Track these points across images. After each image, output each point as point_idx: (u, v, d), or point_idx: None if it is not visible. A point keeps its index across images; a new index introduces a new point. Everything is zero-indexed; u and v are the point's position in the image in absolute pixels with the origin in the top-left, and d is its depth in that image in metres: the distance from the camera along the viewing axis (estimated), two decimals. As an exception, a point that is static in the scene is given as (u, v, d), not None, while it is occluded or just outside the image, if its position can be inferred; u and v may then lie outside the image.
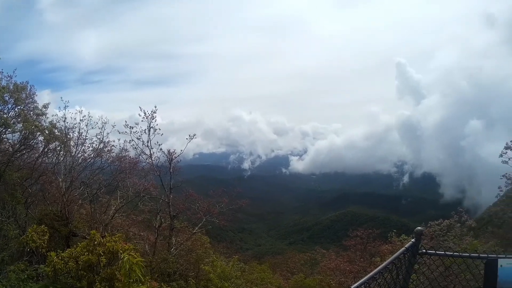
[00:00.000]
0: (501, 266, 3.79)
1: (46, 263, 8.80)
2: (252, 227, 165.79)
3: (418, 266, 4.58)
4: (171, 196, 17.96)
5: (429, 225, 16.66)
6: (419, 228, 4.29)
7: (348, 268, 19.85)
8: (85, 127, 17.28)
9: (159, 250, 16.53)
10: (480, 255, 4.10)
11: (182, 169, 20.22)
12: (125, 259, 6.91)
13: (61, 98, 17.22)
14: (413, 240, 4.24)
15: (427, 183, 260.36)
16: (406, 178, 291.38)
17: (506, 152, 14.29)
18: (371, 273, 3.64)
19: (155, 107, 17.93)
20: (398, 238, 18.74)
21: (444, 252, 4.31)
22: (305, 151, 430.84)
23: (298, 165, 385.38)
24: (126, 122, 17.65)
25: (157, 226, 17.09)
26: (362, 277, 3.55)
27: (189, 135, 18.94)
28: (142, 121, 17.67)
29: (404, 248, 4.17)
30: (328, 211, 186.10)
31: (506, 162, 14.25)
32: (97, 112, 23.40)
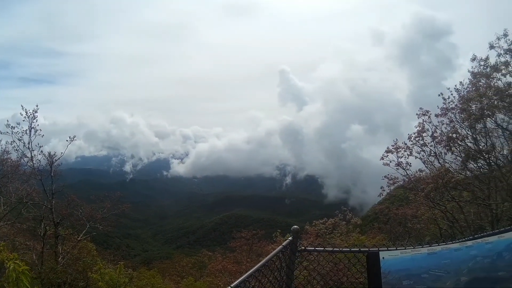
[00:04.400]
0: (383, 258, 4.03)
1: None
2: (138, 232, 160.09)
3: (308, 263, 4.97)
4: (54, 202, 17.15)
5: (313, 224, 17.98)
6: (295, 226, 4.47)
7: (235, 269, 20.65)
8: None
9: (47, 259, 15.68)
10: (361, 249, 4.34)
11: (63, 173, 19.54)
12: (10, 267, 6.67)
13: None
14: (290, 238, 4.39)
15: (310, 184, 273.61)
16: (289, 180, 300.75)
17: (387, 155, 15.06)
18: (249, 272, 3.62)
19: (37, 106, 17.13)
20: (283, 237, 19.62)
21: (324, 248, 4.54)
22: (187, 154, 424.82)
23: (179, 168, 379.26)
24: (8, 121, 16.55)
25: (42, 234, 16.18)
26: (250, 277, 3.62)
27: (69, 137, 18.39)
28: (23, 120, 16.69)
29: (281, 246, 4.27)
30: (212, 214, 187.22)
31: (387, 164, 15.10)
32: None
